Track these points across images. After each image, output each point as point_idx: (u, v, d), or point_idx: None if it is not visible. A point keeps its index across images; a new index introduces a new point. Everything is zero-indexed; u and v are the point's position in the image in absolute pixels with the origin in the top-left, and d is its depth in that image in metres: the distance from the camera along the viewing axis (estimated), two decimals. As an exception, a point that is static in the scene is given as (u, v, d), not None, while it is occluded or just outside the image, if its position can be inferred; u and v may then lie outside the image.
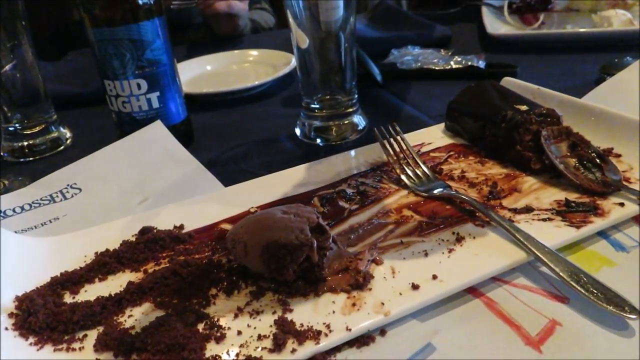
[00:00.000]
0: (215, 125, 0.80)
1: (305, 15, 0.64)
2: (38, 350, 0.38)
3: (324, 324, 0.38)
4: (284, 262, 0.41)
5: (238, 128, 0.80)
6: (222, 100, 0.88)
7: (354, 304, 0.40)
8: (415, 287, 0.41)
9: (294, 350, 0.36)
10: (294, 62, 0.93)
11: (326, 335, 0.37)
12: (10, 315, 0.40)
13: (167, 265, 0.46)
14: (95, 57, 0.66)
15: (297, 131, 0.73)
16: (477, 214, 0.49)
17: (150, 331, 0.38)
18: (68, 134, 0.79)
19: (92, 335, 0.39)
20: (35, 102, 0.76)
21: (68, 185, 0.61)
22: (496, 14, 1.14)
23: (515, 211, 0.49)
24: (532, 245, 0.42)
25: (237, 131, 0.78)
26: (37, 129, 0.75)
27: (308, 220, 0.43)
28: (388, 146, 0.59)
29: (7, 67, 0.73)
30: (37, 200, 0.59)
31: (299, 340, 0.37)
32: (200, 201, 0.55)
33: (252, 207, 0.54)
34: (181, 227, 0.51)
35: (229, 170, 0.65)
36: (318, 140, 0.70)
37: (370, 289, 0.41)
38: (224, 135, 0.77)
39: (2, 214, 0.56)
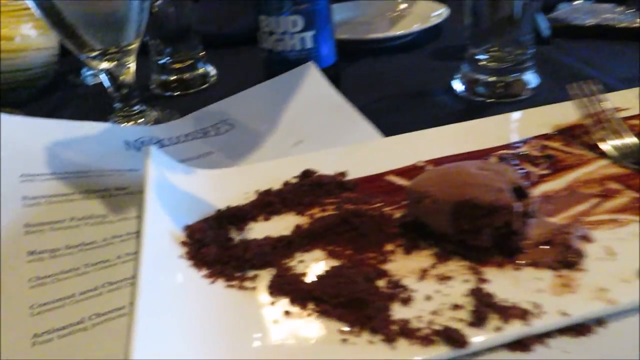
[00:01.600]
0: (361, 74, 0.75)
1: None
2: (211, 283, 0.35)
3: (532, 303, 0.32)
4: (478, 225, 0.35)
5: (386, 78, 0.74)
6: (367, 48, 0.83)
7: (565, 285, 0.33)
8: (643, 274, 0.33)
9: (498, 328, 0.30)
10: (444, 13, 0.85)
11: (536, 316, 0.31)
12: (182, 244, 0.38)
13: (336, 212, 0.42)
14: (253, -11, 0.63)
15: (457, 85, 0.65)
16: None
17: (326, 281, 0.34)
18: (213, 72, 0.78)
19: (263, 276, 0.36)
20: (185, 38, 0.75)
21: (221, 120, 0.59)
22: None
23: None
24: None
25: (385, 82, 0.72)
26: (186, 63, 0.75)
27: (510, 180, 0.36)
28: (584, 106, 0.50)
29: (160, 1, 0.73)
30: (191, 132, 0.58)
31: (503, 318, 0.31)
32: (362, 149, 0.51)
33: (419, 161, 0.48)
34: (343, 174, 0.47)
35: (381, 121, 0.60)
36: (483, 97, 0.62)
37: (584, 270, 0.34)
38: (371, 85, 0.72)
39: (160, 143, 0.55)
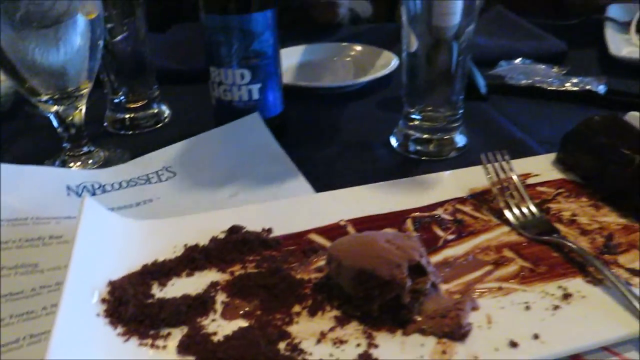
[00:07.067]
0: (308, 122, 0.79)
1: (421, 17, 0.61)
2: (124, 342, 0.38)
3: (412, 368, 0.36)
4: (371, 295, 0.39)
5: (332, 127, 0.77)
6: (317, 94, 0.87)
7: (444, 352, 0.37)
8: (513, 344, 0.37)
9: (378, 394, 0.34)
10: (394, 62, 0.90)
11: (413, 382, 0.35)
12: (103, 300, 0.41)
13: (255, 271, 0.45)
14: (204, 43, 0.67)
15: (394, 140, 0.70)
16: (588, 269, 0.44)
17: (232, 343, 0.38)
18: (167, 112, 0.80)
19: (176, 334, 0.39)
20: (141, 76, 0.76)
21: (164, 167, 0.62)
22: (620, 32, 1.04)
23: (634, 272, 0.44)
24: (656, 321, 0.38)
25: (331, 130, 0.76)
26: (140, 103, 0.77)
27: (408, 257, 0.40)
28: (493, 174, 0.55)
29: (119, 38, 0.75)
30: (134, 178, 0.60)
31: (384, 383, 0.35)
32: (290, 205, 0.54)
33: (342, 220, 0.52)
34: (269, 230, 0.50)
35: (320, 171, 0.64)
36: (415, 154, 0.67)
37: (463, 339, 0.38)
38: (315, 135, 0.75)
39: (102, 189, 0.58)
